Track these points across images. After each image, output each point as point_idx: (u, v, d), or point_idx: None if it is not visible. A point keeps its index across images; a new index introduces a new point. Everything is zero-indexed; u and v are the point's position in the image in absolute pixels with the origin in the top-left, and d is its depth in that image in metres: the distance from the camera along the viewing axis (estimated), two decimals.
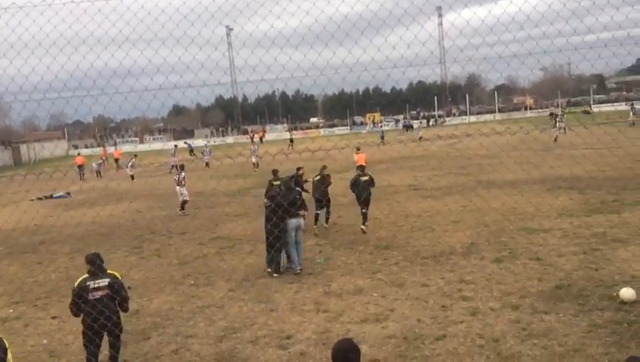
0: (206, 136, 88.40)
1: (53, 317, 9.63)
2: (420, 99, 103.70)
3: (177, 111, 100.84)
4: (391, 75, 7.85)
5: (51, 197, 26.08)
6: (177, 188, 19.27)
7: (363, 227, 13.75)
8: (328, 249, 12.71)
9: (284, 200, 10.83)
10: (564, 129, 33.65)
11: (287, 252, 11.21)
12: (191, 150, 47.46)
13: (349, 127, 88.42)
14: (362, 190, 13.73)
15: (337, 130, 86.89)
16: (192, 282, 11.05)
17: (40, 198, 25.15)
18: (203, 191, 23.93)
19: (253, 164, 32.98)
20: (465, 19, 7.47)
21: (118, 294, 7.07)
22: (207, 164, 36.17)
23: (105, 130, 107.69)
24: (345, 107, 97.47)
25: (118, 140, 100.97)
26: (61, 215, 20.14)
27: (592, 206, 14.64)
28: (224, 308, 9.38)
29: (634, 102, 52.58)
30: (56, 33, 6.36)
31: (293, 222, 11.01)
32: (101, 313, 6.87)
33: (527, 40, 7.63)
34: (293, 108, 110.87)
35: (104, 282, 7.01)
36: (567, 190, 17.09)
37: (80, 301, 6.94)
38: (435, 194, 18.96)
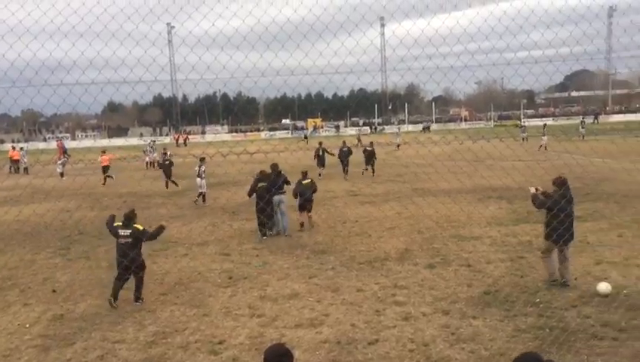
0: (141, 135, 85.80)
1: None
2: (360, 106, 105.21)
3: (112, 108, 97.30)
4: (333, 80, 7.90)
5: None
6: (197, 180, 19.83)
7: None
8: (265, 253, 12.62)
9: (273, 183, 14.15)
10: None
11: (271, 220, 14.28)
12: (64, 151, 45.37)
13: (290, 132, 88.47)
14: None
15: (278, 134, 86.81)
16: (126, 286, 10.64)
17: None
18: (137, 192, 23.24)
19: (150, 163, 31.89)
20: (405, 30, 7.63)
21: (138, 239, 9.36)
22: (151, 164, 35.56)
23: (34, 124, 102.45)
24: (286, 111, 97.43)
25: (47, 136, 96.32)
26: None
27: (519, 215, 15.33)
28: (155, 313, 9.09)
29: (584, 117, 57.85)
30: None
31: (275, 198, 14.06)
32: (124, 255, 9.24)
33: (464, 53, 7.90)
34: (234, 110, 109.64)
35: (127, 232, 9.34)
36: (497, 199, 17.82)
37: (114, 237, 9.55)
38: (372, 200, 19.27)
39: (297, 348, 7.22)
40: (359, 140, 47.63)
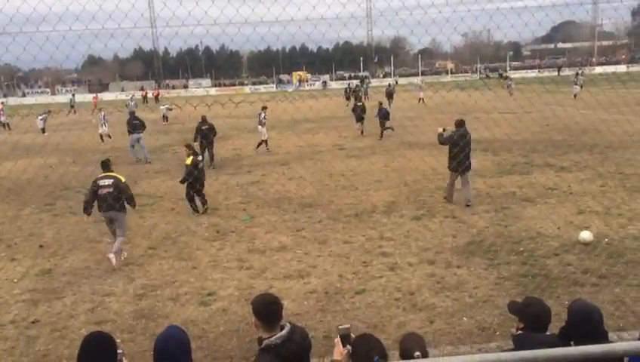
0: (122, 90, 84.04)
1: None
2: (345, 60, 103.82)
3: (92, 62, 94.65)
4: (318, 28, 7.69)
5: None
6: (259, 127, 21.06)
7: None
8: (252, 207, 12.64)
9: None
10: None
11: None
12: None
13: (274, 85, 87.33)
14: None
15: (263, 88, 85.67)
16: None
17: None
18: (120, 147, 22.95)
19: (100, 135, 26.33)
20: None
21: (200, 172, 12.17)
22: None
23: (12, 79, 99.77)
24: (270, 64, 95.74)
25: (26, 91, 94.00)
26: None
27: (504, 167, 15.46)
28: (144, 266, 9.14)
29: (580, 68, 58.10)
30: None
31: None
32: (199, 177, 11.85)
33: (452, 2, 7.71)
34: (217, 64, 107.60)
35: (200, 157, 12.50)
36: (483, 152, 17.86)
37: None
38: (359, 153, 19.26)
39: (286, 298, 7.33)
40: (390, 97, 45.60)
